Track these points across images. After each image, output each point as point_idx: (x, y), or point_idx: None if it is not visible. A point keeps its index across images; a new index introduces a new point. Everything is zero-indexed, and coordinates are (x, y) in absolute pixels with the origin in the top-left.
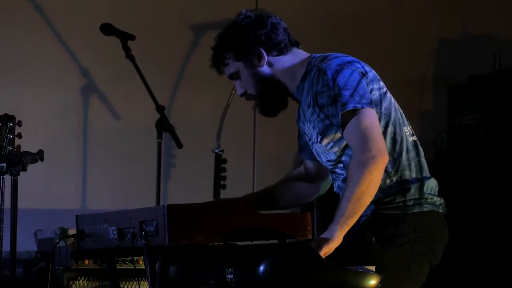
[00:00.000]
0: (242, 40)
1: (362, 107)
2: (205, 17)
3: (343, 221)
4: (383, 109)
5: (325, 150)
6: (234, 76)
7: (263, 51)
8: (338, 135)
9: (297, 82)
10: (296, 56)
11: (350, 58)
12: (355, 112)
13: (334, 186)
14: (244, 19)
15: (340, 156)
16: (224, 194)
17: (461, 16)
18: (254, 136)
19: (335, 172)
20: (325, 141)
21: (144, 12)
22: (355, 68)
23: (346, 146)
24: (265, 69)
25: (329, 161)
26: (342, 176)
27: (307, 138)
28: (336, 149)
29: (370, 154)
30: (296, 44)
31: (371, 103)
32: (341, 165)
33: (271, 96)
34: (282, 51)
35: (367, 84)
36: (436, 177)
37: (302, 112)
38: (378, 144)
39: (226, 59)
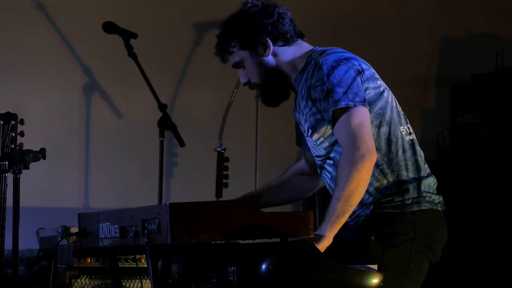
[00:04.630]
0: (249, 28)
1: (355, 105)
2: (208, 16)
3: (333, 221)
4: (377, 108)
5: (315, 144)
6: (238, 65)
7: (269, 41)
8: (329, 131)
9: (297, 74)
10: (300, 48)
11: (348, 55)
12: (346, 109)
13: (325, 183)
14: (250, 8)
15: (330, 152)
16: (226, 193)
17: (463, 15)
18: (257, 134)
19: (324, 169)
20: (316, 136)
21: (147, 11)
22: (351, 65)
23: (336, 142)
24: (269, 59)
25: (317, 156)
26: (330, 175)
27: (302, 129)
28: (326, 144)
29: (359, 153)
30: (301, 36)
31: (364, 102)
32: (330, 161)
33: (274, 86)
34: (287, 41)
35: (362, 82)
36: (438, 175)
37: (298, 103)
38: (367, 143)
39: (231, 47)
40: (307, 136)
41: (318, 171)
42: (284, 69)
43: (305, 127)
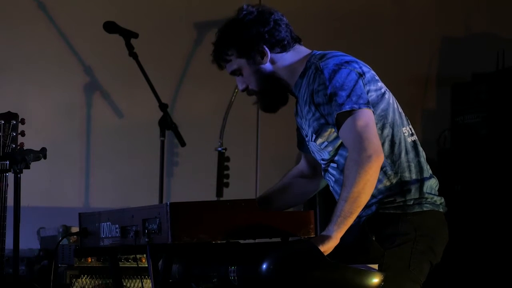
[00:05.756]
0: (245, 37)
1: (359, 108)
2: (208, 15)
3: (340, 222)
4: (379, 110)
5: (320, 149)
6: (236, 73)
7: (266, 49)
8: (333, 135)
9: (296, 79)
10: (298, 53)
11: (349, 58)
12: (351, 112)
13: (329, 186)
14: (246, 15)
15: (334, 155)
16: (227, 192)
17: (464, 14)
18: (257, 134)
19: (328, 171)
20: (320, 140)
21: (147, 10)
22: (352, 68)
23: (340, 146)
24: (267, 66)
25: (322, 159)
26: (334, 178)
27: (304, 134)
28: (330, 148)
29: (366, 154)
30: (298, 40)
31: (368, 104)
32: (334, 164)
33: (272, 93)
34: (284, 48)
35: (364, 85)
36: (439, 175)
37: (300, 108)
38: (373, 143)
39: (228, 55)
40: (311, 140)
41: (322, 173)
42: (282, 76)
43: (308, 132)
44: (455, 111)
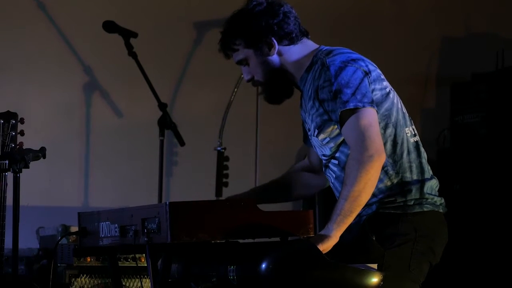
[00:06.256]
0: (254, 28)
1: (363, 106)
2: (208, 15)
3: (340, 220)
4: (383, 110)
5: (321, 144)
6: (242, 62)
7: (275, 41)
8: (335, 131)
9: (302, 73)
10: (305, 46)
11: (355, 56)
12: (355, 110)
13: (330, 182)
14: (255, 6)
15: (335, 152)
16: (226, 192)
17: (464, 14)
18: (257, 134)
19: (329, 167)
20: (322, 136)
21: (147, 10)
22: (358, 66)
23: (342, 143)
24: (274, 58)
25: (324, 155)
26: (335, 174)
27: (307, 128)
28: (332, 144)
29: (367, 153)
30: (306, 34)
31: (372, 103)
32: (335, 161)
33: (278, 85)
34: (292, 40)
35: (369, 84)
36: (438, 175)
37: (304, 103)
38: (375, 143)
39: (236, 45)
40: (313, 135)
41: (323, 169)
42: (288, 68)
43: (311, 126)
44: (455, 111)
